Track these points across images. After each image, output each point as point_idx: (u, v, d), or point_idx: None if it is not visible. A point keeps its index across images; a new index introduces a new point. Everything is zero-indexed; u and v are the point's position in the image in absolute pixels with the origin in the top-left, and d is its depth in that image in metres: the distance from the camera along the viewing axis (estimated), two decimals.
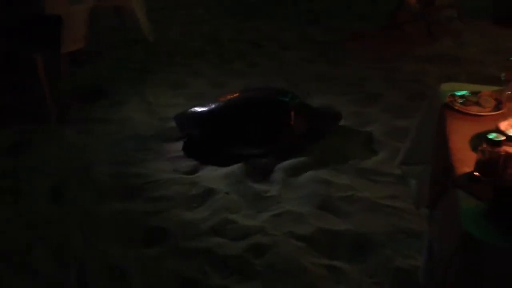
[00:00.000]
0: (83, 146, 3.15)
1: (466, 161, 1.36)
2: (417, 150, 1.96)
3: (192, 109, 3.22)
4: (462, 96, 1.67)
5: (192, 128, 3.14)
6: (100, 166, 2.91)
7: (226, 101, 3.16)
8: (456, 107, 1.60)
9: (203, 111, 3.14)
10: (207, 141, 3.05)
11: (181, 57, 4.46)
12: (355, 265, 2.23)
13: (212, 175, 2.81)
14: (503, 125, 1.41)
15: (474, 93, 1.69)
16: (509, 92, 1.48)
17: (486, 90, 1.74)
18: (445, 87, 1.80)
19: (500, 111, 1.57)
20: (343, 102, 3.63)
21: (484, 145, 1.26)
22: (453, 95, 1.67)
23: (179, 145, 3.13)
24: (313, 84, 3.92)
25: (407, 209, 2.55)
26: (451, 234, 1.24)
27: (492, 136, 1.25)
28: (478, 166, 1.29)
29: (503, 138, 1.24)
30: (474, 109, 1.60)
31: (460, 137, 1.48)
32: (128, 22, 4.47)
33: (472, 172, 1.30)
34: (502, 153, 1.25)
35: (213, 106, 3.15)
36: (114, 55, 4.32)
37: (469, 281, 1.11)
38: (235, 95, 3.22)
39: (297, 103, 3.11)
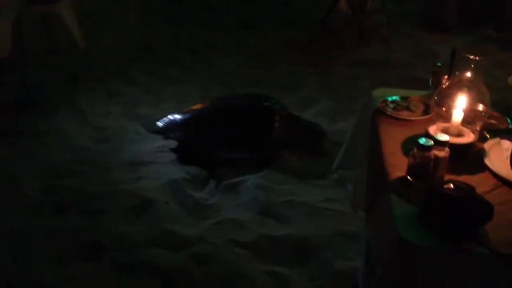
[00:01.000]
0: (9, 159, 2.97)
1: (398, 165, 1.39)
2: (352, 155, 1.98)
3: (175, 116, 3.26)
4: (393, 102, 1.72)
5: (179, 134, 3.11)
6: (29, 180, 2.76)
7: (210, 107, 3.25)
8: (388, 112, 1.65)
9: (189, 117, 3.19)
10: (198, 147, 3.05)
11: (114, 64, 4.34)
12: (297, 270, 2.26)
13: (151, 185, 2.74)
14: (432, 129, 1.46)
15: (404, 98, 1.75)
16: (436, 97, 1.54)
17: (415, 95, 1.80)
18: (377, 92, 1.85)
19: (428, 116, 1.63)
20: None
21: (415, 150, 1.30)
22: (385, 101, 1.72)
23: (125, 154, 3.06)
24: (250, 90, 3.93)
25: (345, 212, 2.60)
26: (387, 239, 1.26)
27: (422, 141, 1.29)
28: (410, 170, 1.32)
29: (432, 143, 1.29)
30: (404, 114, 1.65)
31: (392, 142, 1.52)
32: (56, 29, 4.29)
33: (404, 177, 1.34)
34: (432, 157, 1.29)
35: (196, 112, 3.24)
36: (43, 64, 4.14)
37: (406, 285, 1.14)
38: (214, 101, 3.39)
39: (279, 109, 3.19)
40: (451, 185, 1.18)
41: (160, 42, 4.89)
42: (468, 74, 1.40)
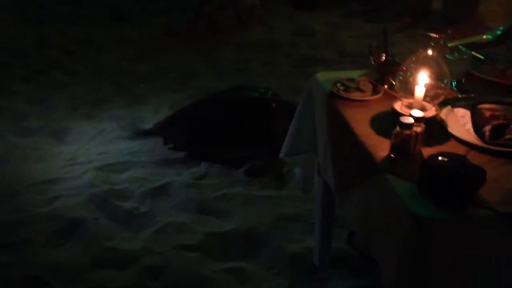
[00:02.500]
0: None
1: (377, 145, 1.44)
2: (298, 141, 2.02)
3: (177, 116, 3.10)
4: (343, 84, 1.77)
5: (184, 135, 2.96)
6: None
7: (210, 103, 3.11)
8: (344, 95, 1.69)
9: (195, 116, 3.05)
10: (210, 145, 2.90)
11: None
12: (252, 262, 2.24)
13: (71, 203, 2.51)
14: (397, 106, 1.53)
15: (350, 80, 1.81)
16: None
17: (354, 75, 1.86)
18: (320, 76, 1.89)
19: (379, 94, 1.71)
20: (179, 100, 3.57)
21: (397, 128, 1.36)
22: (336, 84, 1.76)
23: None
24: (137, 88, 3.75)
25: (280, 196, 2.65)
26: (388, 217, 1.31)
27: (403, 120, 1.35)
28: (393, 148, 1.38)
29: (413, 120, 1.36)
30: (357, 95, 1.71)
31: (359, 124, 1.56)
32: None
33: (388, 155, 1.39)
34: (413, 134, 1.36)
35: (198, 109, 3.09)
36: None
37: (425, 260, 1.20)
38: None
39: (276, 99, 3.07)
40: (443, 158, 1.26)
41: (28, 44, 4.46)
42: (429, 52, 1.50)
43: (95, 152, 2.96)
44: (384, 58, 1.81)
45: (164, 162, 2.89)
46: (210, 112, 3.04)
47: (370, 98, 1.68)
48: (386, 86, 1.76)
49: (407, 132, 1.35)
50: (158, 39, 4.59)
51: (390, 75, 1.77)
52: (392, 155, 1.38)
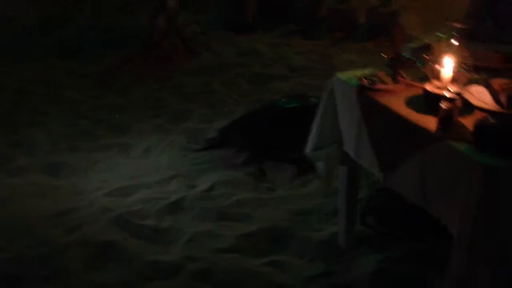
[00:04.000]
0: None
1: (423, 121, 1.73)
2: (322, 136, 2.25)
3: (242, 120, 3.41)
4: (366, 79, 2.05)
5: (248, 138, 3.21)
6: None
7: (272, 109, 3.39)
8: (375, 87, 1.97)
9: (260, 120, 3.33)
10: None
11: None
12: (285, 254, 2.44)
13: (94, 229, 2.53)
14: (428, 87, 1.83)
15: (373, 75, 2.09)
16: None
17: (370, 71, 2.15)
18: (341, 75, 2.16)
19: (401, 84, 2.01)
20: (160, 125, 3.68)
21: (444, 103, 1.66)
22: (362, 79, 2.03)
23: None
24: (112, 118, 3.81)
25: (286, 196, 2.86)
26: (455, 176, 1.58)
27: (449, 96, 1.65)
28: (442, 120, 1.67)
29: (455, 96, 1.66)
30: (384, 86, 2.00)
31: (398, 108, 1.85)
32: None
33: (439, 126, 1.68)
34: (456, 106, 1.67)
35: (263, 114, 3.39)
36: None
37: (495, 207, 1.48)
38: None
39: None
40: (491, 120, 1.57)
41: None
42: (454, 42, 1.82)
43: (97, 180, 3.00)
44: (393, 55, 2.13)
45: (165, 181, 3.02)
46: (268, 119, 3.35)
47: (394, 88, 1.98)
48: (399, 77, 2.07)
49: (452, 105, 1.65)
50: (115, 71, 4.64)
51: (401, 69, 2.10)
52: (441, 126, 1.68)
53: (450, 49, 1.80)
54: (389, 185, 1.94)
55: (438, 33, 2.37)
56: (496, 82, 1.88)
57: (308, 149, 2.30)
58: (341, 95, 2.13)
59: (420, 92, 1.93)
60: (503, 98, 1.80)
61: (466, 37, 2.28)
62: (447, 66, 1.80)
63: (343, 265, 2.34)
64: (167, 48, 5.13)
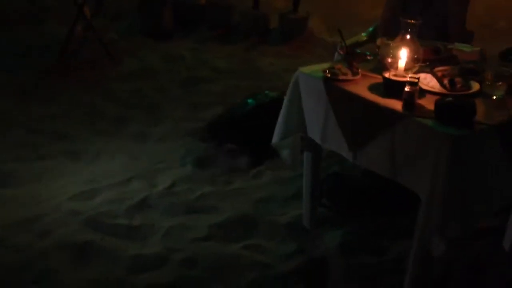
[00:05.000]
0: None
1: (389, 103, 2.03)
2: (288, 126, 2.47)
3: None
4: (330, 71, 2.31)
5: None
6: None
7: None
8: (340, 78, 2.24)
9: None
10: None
11: None
12: (258, 238, 2.64)
13: (68, 233, 2.53)
14: (387, 75, 2.14)
15: (333, 68, 2.36)
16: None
17: (328, 65, 2.41)
18: (304, 70, 2.40)
19: (359, 75, 2.30)
20: (106, 130, 3.69)
21: (408, 87, 1.97)
22: (326, 71, 2.29)
23: None
24: (50, 127, 3.73)
25: (244, 187, 3.06)
26: (423, 148, 1.89)
27: (412, 81, 1.96)
28: (406, 101, 1.98)
29: (416, 80, 1.98)
30: (346, 77, 2.27)
31: (364, 94, 2.13)
32: None
33: (404, 107, 1.99)
34: (416, 90, 1.98)
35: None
36: None
37: (460, 169, 1.80)
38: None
39: None
40: (448, 99, 1.91)
41: None
42: (407, 36, 2.13)
43: (54, 187, 2.97)
44: (346, 50, 2.42)
45: (125, 183, 3.07)
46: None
47: (355, 77, 2.27)
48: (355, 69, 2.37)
49: (415, 88, 1.97)
50: (38, 81, 4.48)
51: (355, 61, 2.40)
52: (406, 106, 1.99)
53: (402, 44, 2.13)
54: (359, 163, 2.22)
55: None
56: (439, 69, 2.25)
57: (275, 139, 2.52)
58: (306, 87, 2.38)
59: (376, 80, 2.25)
60: (446, 82, 2.17)
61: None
62: (402, 57, 2.14)
63: (312, 243, 2.60)
64: (88, 56, 5.09)
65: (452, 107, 1.89)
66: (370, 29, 3.56)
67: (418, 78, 2.03)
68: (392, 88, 2.10)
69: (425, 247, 2.05)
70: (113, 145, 3.49)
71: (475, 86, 2.18)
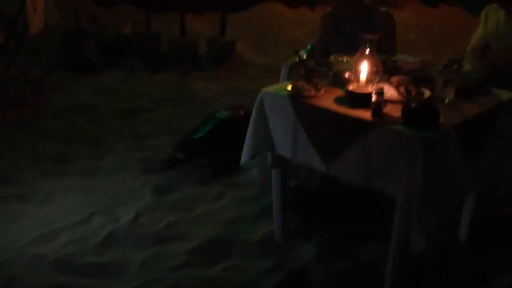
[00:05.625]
0: None
1: (358, 114, 2.16)
2: (255, 146, 2.51)
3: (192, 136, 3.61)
4: (294, 89, 2.40)
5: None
6: None
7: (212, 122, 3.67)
8: (306, 94, 2.33)
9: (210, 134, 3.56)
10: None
11: None
12: (235, 258, 2.65)
13: (37, 277, 2.39)
14: (351, 87, 2.27)
15: (294, 86, 2.44)
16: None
17: (289, 85, 2.50)
18: (268, 89, 2.47)
19: (322, 91, 2.40)
20: (40, 171, 3.51)
21: (376, 97, 2.10)
22: (291, 89, 2.37)
23: None
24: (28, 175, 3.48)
25: (207, 212, 3.04)
26: (395, 152, 2.02)
27: (378, 91, 2.10)
28: (375, 110, 2.11)
29: (382, 91, 2.12)
30: (311, 93, 2.37)
31: (331, 107, 2.24)
32: None
33: (373, 115, 2.11)
34: (383, 99, 2.13)
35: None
36: None
37: (432, 166, 1.95)
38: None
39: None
40: (414, 104, 2.06)
41: None
42: (367, 51, 2.27)
43: (7, 233, 2.78)
44: (306, 69, 2.53)
45: (85, 220, 2.94)
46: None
47: (319, 93, 2.38)
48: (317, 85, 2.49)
49: (381, 98, 2.11)
50: None
51: (314, 78, 2.52)
52: (375, 115, 2.12)
53: (363, 58, 2.28)
54: (332, 173, 2.32)
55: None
56: (394, 79, 2.43)
57: (243, 159, 2.57)
58: (271, 106, 2.46)
59: (337, 94, 2.38)
60: (402, 90, 2.34)
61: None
62: (363, 70, 2.28)
63: (288, 256, 2.65)
64: (12, 94, 4.85)
65: (419, 112, 2.05)
66: (309, 47, 3.72)
67: (382, 89, 2.18)
68: (359, 100, 2.23)
69: (404, 246, 2.19)
70: (62, 183, 3.33)
71: (426, 93, 2.38)
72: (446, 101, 2.31)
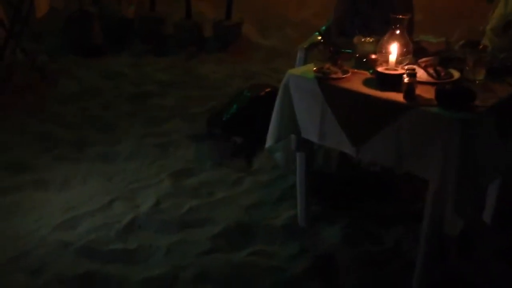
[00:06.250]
0: None
1: (389, 96, 2.12)
2: (281, 129, 2.48)
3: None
4: (321, 71, 2.36)
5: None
6: None
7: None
8: (333, 76, 2.29)
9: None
10: None
11: None
12: (260, 243, 2.64)
13: (63, 267, 2.37)
14: (380, 69, 2.23)
15: (321, 67, 2.40)
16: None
17: (313, 66, 2.46)
18: (294, 72, 2.43)
19: (349, 73, 2.36)
20: (55, 158, 3.48)
21: (408, 78, 2.06)
22: (317, 71, 2.33)
23: None
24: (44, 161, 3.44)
25: (230, 197, 3.03)
26: (429, 135, 2.00)
27: (411, 72, 2.06)
28: (407, 92, 2.08)
29: (414, 72, 2.08)
30: (339, 75, 2.34)
31: (361, 89, 2.20)
32: None
33: (406, 97, 2.08)
34: (415, 80, 2.09)
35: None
36: None
37: (470, 148, 1.93)
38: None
39: None
40: (448, 86, 2.03)
41: None
42: (397, 31, 2.23)
43: (28, 221, 2.76)
44: (331, 49, 2.49)
45: (106, 207, 2.92)
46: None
47: (347, 75, 2.34)
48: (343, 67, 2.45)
49: (413, 79, 2.08)
50: None
51: (339, 59, 2.48)
52: (407, 97, 2.09)
53: (393, 38, 2.24)
54: (362, 157, 2.30)
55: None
56: (422, 61, 2.39)
57: (268, 142, 2.53)
58: (298, 89, 2.42)
59: (365, 76, 2.34)
60: (431, 71, 2.31)
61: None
62: (393, 51, 2.24)
63: (313, 240, 2.64)
64: (20, 80, 4.77)
65: (454, 94, 2.02)
66: (323, 28, 3.66)
67: (415, 70, 2.15)
68: (390, 81, 2.19)
69: (436, 228, 2.18)
70: (80, 169, 3.30)
71: (456, 74, 2.35)
72: (477, 82, 2.29)
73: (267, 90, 3.70)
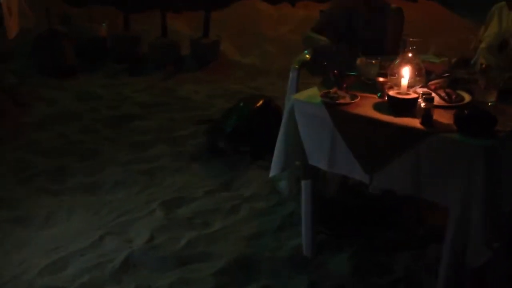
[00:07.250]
0: None
1: (405, 122, 2.03)
2: (286, 157, 2.36)
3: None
4: (328, 96, 2.24)
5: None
6: None
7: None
8: (342, 101, 2.18)
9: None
10: None
11: None
12: (264, 276, 2.49)
13: None
14: (391, 93, 2.13)
15: (327, 92, 2.29)
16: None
17: (318, 91, 2.35)
18: (299, 97, 2.31)
19: (358, 98, 2.25)
20: (36, 190, 3.23)
21: (425, 103, 1.97)
22: (325, 96, 2.22)
23: None
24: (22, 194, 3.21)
25: (223, 228, 2.86)
26: (449, 162, 1.91)
27: (428, 97, 1.97)
28: (424, 118, 1.99)
29: (431, 96, 1.99)
30: (347, 100, 2.23)
31: (373, 113, 2.10)
32: None
33: (423, 123, 1.99)
34: (432, 105, 2.00)
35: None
36: None
37: (494, 174, 1.85)
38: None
39: None
40: (465, 111, 1.94)
41: None
42: (409, 54, 2.14)
43: (12, 263, 2.52)
44: (337, 73, 2.38)
45: (96, 244, 2.71)
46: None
47: (356, 100, 2.23)
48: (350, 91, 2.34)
49: (431, 104, 1.99)
50: None
51: (346, 84, 2.37)
52: (425, 123, 2.00)
53: (405, 62, 2.16)
54: (376, 184, 2.18)
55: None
56: (431, 83, 2.31)
57: (274, 171, 2.40)
58: (303, 115, 2.30)
59: (373, 100, 2.25)
60: (442, 94, 2.23)
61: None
62: (405, 75, 2.15)
63: (321, 272, 2.51)
64: None
65: (476, 119, 1.94)
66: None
67: (431, 94, 2.06)
68: (404, 106, 2.11)
69: (457, 258, 2.08)
70: (62, 202, 3.07)
71: (467, 96, 2.27)
72: (489, 104, 2.23)
73: (262, 100, 3.78)
